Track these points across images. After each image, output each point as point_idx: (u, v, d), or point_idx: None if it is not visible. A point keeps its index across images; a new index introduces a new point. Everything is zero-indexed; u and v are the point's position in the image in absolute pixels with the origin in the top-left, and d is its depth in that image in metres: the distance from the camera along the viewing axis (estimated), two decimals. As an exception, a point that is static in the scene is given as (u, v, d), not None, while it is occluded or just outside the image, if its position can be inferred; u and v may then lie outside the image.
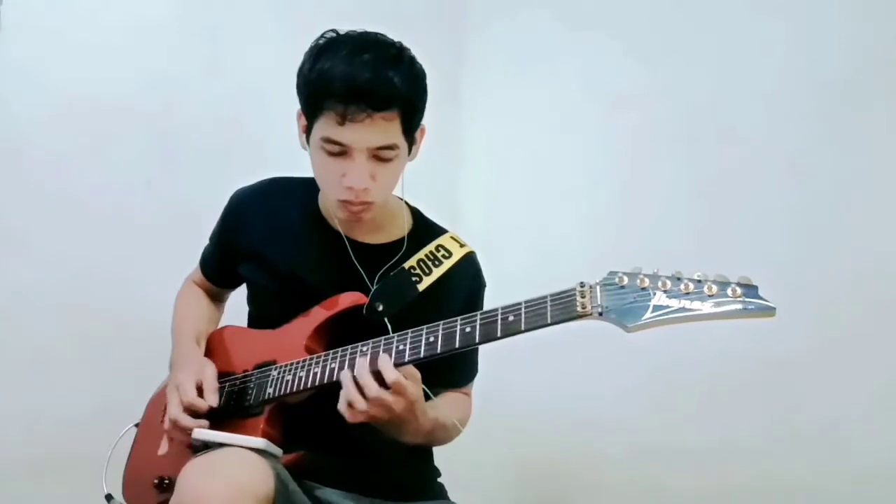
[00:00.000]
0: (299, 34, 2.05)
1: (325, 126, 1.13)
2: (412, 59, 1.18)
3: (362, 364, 1.07)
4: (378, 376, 1.05)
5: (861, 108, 1.53)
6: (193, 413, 1.17)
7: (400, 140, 1.16)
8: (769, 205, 1.65)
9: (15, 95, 1.75)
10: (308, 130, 1.19)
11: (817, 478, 1.50)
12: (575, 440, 1.90)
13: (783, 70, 1.66)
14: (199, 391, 1.19)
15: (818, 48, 1.61)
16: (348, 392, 1.06)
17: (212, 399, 1.17)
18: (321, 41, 1.18)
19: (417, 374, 1.09)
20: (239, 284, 1.43)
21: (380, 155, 1.15)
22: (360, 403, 1.05)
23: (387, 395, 1.04)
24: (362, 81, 1.09)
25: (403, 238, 1.29)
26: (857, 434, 1.47)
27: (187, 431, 1.15)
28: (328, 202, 1.26)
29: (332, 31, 1.19)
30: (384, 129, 1.13)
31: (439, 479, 1.34)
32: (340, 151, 1.14)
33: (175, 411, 1.17)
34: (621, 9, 2.01)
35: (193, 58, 1.98)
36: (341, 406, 1.07)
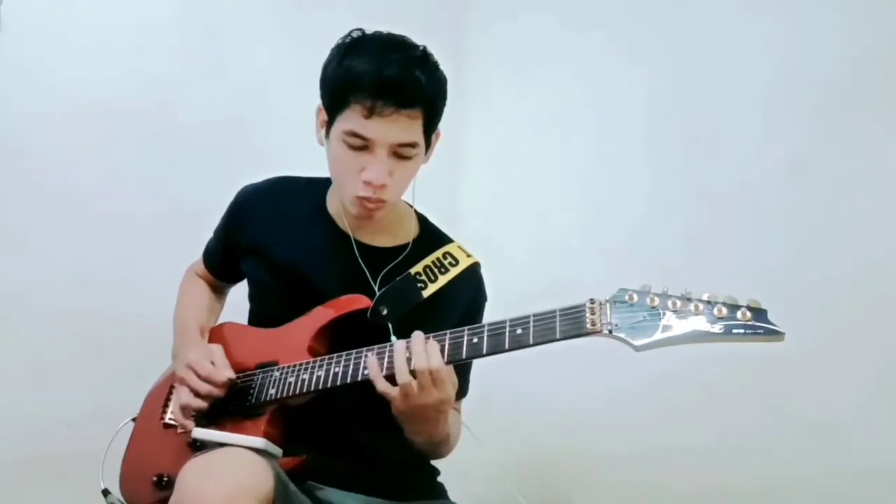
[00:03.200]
0: (299, 35, 2.08)
1: (351, 119, 1.14)
2: (436, 63, 1.21)
3: (419, 336, 1.07)
4: None
5: (861, 108, 1.53)
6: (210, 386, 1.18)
7: (420, 139, 1.18)
8: (769, 205, 1.65)
9: (15, 95, 1.75)
10: (329, 125, 1.20)
11: (817, 478, 1.50)
12: (575, 440, 1.90)
13: (783, 70, 1.66)
14: None
15: (818, 48, 1.61)
16: (396, 359, 1.06)
17: (227, 373, 1.18)
18: (348, 39, 1.20)
19: (456, 381, 1.09)
20: (241, 279, 1.43)
21: (400, 152, 1.16)
22: (404, 374, 1.05)
23: (427, 379, 1.04)
24: (392, 77, 1.12)
25: (408, 243, 1.30)
26: (858, 434, 1.47)
27: (208, 401, 1.17)
28: (341, 199, 1.25)
29: (359, 29, 1.21)
30: (408, 126, 1.15)
31: (439, 479, 1.34)
32: (362, 146, 1.15)
33: (186, 398, 1.18)
34: (621, 10, 2.01)
35: (194, 58, 1.98)
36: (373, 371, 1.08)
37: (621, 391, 1.83)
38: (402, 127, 1.14)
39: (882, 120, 1.51)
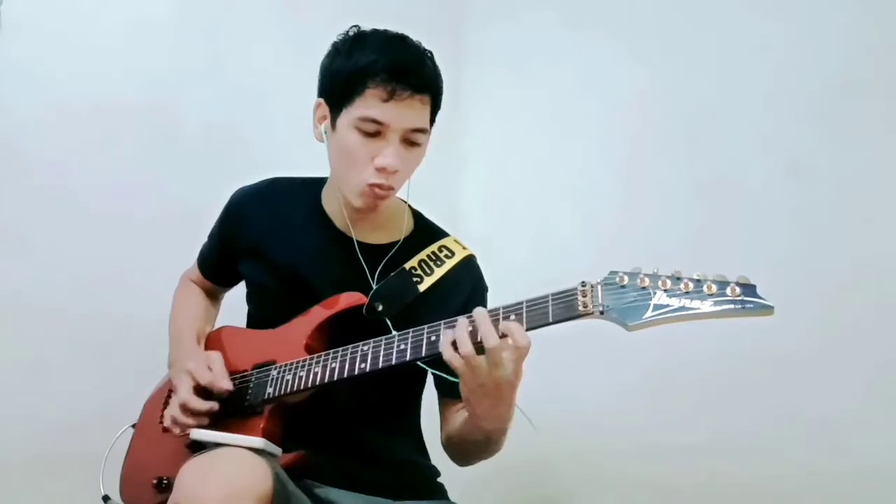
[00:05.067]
0: (299, 35, 2.08)
1: (366, 105, 1.16)
2: (433, 57, 1.25)
3: (484, 315, 1.00)
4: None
5: (861, 108, 1.53)
6: (208, 396, 1.18)
7: (428, 126, 1.22)
8: (769, 205, 1.65)
9: (15, 95, 1.75)
10: (334, 118, 1.21)
11: (816, 477, 1.50)
12: (575, 439, 1.90)
13: (783, 69, 1.66)
14: None
15: (818, 47, 1.61)
16: (459, 335, 1.00)
17: (225, 383, 1.18)
18: (350, 35, 1.23)
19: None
20: (237, 283, 1.43)
21: (411, 138, 1.19)
22: (468, 348, 0.98)
23: (505, 355, 0.98)
24: (407, 63, 1.17)
25: (403, 238, 1.30)
26: (857, 433, 1.47)
27: (200, 414, 1.16)
28: (343, 192, 1.25)
29: (356, 26, 1.24)
30: (420, 111, 1.19)
31: (439, 479, 1.34)
32: (376, 131, 1.17)
33: (185, 395, 1.17)
34: (621, 9, 2.01)
35: (193, 58, 1.98)
36: (447, 355, 1.00)
37: (621, 389, 1.83)
38: (416, 112, 1.18)
39: (881, 120, 1.51)
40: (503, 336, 0.98)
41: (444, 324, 1.06)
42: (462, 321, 1.02)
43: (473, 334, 1.00)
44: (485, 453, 1.22)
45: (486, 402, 1.04)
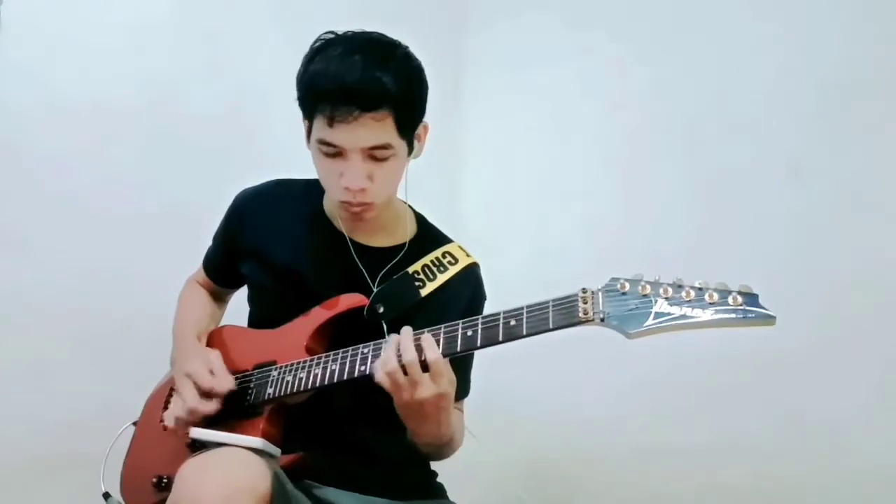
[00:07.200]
0: (299, 35, 2.06)
1: (319, 128, 1.14)
2: (407, 56, 1.18)
3: (408, 332, 1.07)
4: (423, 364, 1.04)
5: (861, 108, 1.53)
6: (212, 398, 1.18)
7: (394, 139, 1.14)
8: (769, 205, 1.65)
9: (15, 95, 1.75)
10: (309, 132, 1.20)
11: (817, 478, 1.50)
12: (575, 441, 1.90)
13: (782, 70, 1.66)
14: None
15: (818, 48, 1.61)
16: (385, 350, 1.06)
17: (227, 383, 1.18)
18: (317, 44, 1.19)
19: (453, 377, 1.08)
20: (242, 284, 1.43)
21: (375, 155, 1.14)
22: (390, 363, 1.04)
23: (422, 373, 1.03)
24: (351, 82, 1.09)
25: (405, 242, 1.30)
26: (858, 433, 1.47)
27: (203, 419, 1.16)
28: (332, 202, 1.26)
29: (330, 32, 1.20)
30: (374, 129, 1.12)
31: (438, 479, 1.34)
32: (335, 153, 1.14)
33: (192, 400, 1.17)
34: (621, 10, 2.01)
35: (193, 58, 1.98)
36: (376, 367, 1.06)
37: (620, 391, 1.83)
38: (370, 130, 1.11)
39: (881, 120, 1.51)
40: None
41: (444, 328, 1.07)
42: (393, 338, 1.07)
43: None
44: (434, 458, 1.28)
45: (411, 419, 1.11)
